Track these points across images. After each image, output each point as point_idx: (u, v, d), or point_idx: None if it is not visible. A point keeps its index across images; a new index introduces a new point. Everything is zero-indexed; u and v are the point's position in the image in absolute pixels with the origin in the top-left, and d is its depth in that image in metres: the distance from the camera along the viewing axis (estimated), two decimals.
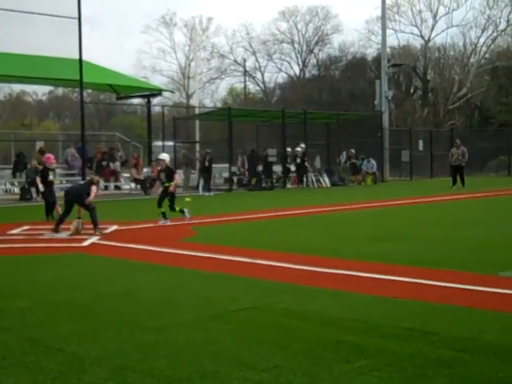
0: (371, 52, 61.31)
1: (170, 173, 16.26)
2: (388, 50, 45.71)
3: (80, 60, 24.08)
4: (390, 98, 39.58)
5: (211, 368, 5.05)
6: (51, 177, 16.88)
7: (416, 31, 60.07)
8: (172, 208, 15.98)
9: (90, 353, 5.46)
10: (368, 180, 35.02)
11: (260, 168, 31.76)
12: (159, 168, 16.82)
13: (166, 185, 16.01)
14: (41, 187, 16.93)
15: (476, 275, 8.71)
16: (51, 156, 17.44)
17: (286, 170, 32.50)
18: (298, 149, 32.18)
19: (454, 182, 29.00)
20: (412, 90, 60.80)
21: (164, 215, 15.85)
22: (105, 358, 5.32)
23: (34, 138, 35.28)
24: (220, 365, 5.12)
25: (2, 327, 6.34)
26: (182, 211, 16.04)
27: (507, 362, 5.12)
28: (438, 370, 4.94)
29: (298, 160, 32.00)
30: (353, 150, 35.67)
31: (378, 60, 47.83)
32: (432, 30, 59.53)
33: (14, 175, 26.37)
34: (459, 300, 7.29)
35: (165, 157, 16.76)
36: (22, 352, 5.53)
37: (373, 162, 35.42)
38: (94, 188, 14.07)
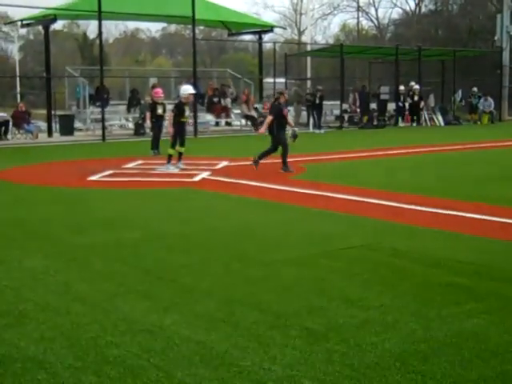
0: None
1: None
2: None
3: None
4: (511, 33, 37.67)
5: (318, 304, 5.09)
6: (160, 111, 17.19)
7: None
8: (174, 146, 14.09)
9: (200, 285, 5.62)
10: (484, 119, 33.76)
11: (373, 105, 31.20)
12: (185, 102, 14.37)
13: (184, 120, 14.26)
14: (148, 123, 17.30)
15: None
16: (159, 90, 17.75)
17: (399, 108, 31.76)
18: (416, 86, 31.26)
19: None
20: None
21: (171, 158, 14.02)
22: (215, 291, 5.46)
23: (147, 74, 36.02)
24: (327, 301, 5.15)
25: (118, 257, 6.61)
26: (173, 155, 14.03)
27: None
28: None
29: (416, 98, 31.17)
30: (475, 89, 34.25)
31: None
32: None
33: (128, 111, 27.08)
34: None
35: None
36: (136, 281, 5.76)
37: (490, 100, 34.02)
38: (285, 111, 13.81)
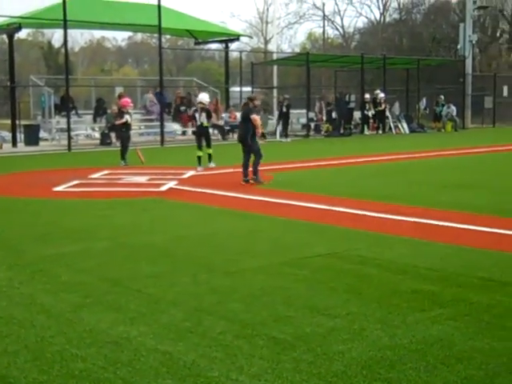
0: None
1: (208, 113, 15.81)
2: None
3: (159, 6, 24.15)
4: (474, 42, 38.21)
5: (285, 313, 5.10)
6: (130, 119, 17.09)
7: None
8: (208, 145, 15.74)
9: (167, 295, 5.60)
10: (448, 127, 34.17)
11: (334, 114, 31.39)
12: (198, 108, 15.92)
13: (206, 125, 15.72)
14: (124, 120, 17.02)
15: None
16: (128, 99, 17.69)
17: (365, 116, 32.00)
18: (382, 95, 31.55)
19: None
20: (498, 34, 58.50)
21: (210, 157, 15.85)
22: (181, 301, 5.44)
23: (113, 83, 35.79)
24: (294, 310, 5.16)
25: (85, 268, 6.55)
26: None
27: None
28: None
29: (383, 106, 31.46)
30: (442, 97, 34.64)
31: (462, 2, 46.13)
32: None
33: (94, 120, 26.89)
34: None
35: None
36: (103, 292, 5.72)
37: (453, 107, 34.46)
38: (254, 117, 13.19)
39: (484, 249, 7.22)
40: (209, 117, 15.64)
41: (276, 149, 21.81)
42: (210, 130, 27.07)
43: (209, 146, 15.78)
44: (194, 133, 16.35)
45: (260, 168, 13.27)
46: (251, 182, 13.07)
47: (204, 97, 16.13)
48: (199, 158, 15.48)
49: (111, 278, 6.13)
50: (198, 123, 15.64)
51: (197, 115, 15.72)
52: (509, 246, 7.38)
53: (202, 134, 15.68)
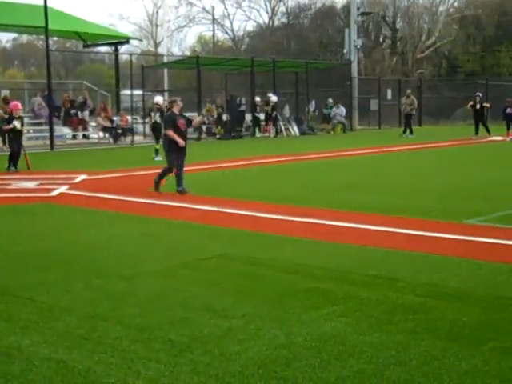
0: (341, 0, 60.63)
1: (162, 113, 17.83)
2: None
3: (45, 6, 23.49)
4: (358, 46, 39.36)
5: (181, 315, 5.11)
6: (18, 126, 16.47)
7: None
8: None
9: (60, 302, 5.49)
10: (337, 129, 35.04)
11: (226, 117, 31.59)
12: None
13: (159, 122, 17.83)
14: (11, 126, 16.26)
15: (440, 223, 8.85)
16: (18, 103, 17.07)
17: (256, 119, 32.33)
18: (274, 98, 31.93)
19: (405, 131, 30.44)
20: (381, 39, 60.43)
21: (156, 152, 18.26)
22: (75, 307, 5.34)
23: None
24: (190, 312, 5.18)
25: None
26: None
27: (471, 307, 5.25)
28: (403, 315, 5.06)
29: (270, 109, 31.87)
30: (330, 100, 35.47)
31: (347, 8, 47.44)
32: None
33: None
34: (425, 247, 7.41)
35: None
36: None
37: (342, 108, 35.34)
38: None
39: (373, 246, 7.46)
40: (162, 115, 17.52)
41: None
42: (101, 134, 27.18)
43: (158, 141, 17.98)
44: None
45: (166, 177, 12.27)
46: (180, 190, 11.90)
47: (159, 99, 19.38)
48: (157, 150, 18.17)
49: (0, 287, 5.94)
50: (153, 121, 18.84)
51: (152, 114, 19.04)
52: (396, 243, 7.66)
53: (155, 129, 18.43)
